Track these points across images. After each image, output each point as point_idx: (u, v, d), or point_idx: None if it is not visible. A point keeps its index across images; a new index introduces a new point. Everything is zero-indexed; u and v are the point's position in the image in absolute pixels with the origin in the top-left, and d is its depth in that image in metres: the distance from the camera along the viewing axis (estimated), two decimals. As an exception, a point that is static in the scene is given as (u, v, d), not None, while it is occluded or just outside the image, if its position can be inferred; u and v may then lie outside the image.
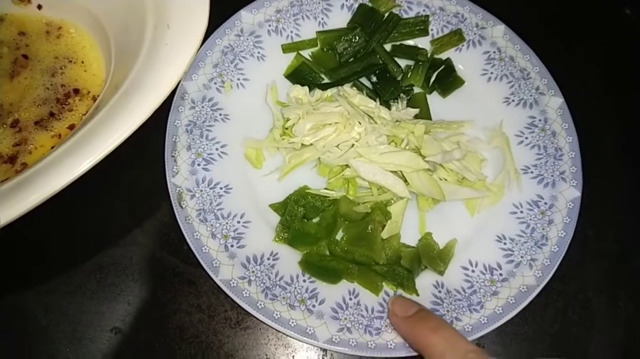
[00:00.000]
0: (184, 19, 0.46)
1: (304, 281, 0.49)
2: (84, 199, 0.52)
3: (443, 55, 0.61)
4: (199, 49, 0.45)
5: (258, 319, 0.47)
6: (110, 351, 0.48)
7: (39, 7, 0.57)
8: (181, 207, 0.50)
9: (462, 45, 0.61)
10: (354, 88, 0.58)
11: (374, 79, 0.60)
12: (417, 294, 0.49)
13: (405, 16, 0.61)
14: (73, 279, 0.50)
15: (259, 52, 0.59)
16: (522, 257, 0.51)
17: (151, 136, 0.52)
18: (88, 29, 0.57)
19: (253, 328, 0.50)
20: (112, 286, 0.50)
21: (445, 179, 0.53)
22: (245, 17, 0.59)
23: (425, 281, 0.50)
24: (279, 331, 0.47)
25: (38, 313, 0.49)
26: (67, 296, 0.50)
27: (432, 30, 0.61)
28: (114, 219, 0.53)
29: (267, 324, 0.47)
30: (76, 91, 0.55)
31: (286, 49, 0.59)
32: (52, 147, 0.52)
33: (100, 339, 0.48)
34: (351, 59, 0.60)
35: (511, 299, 0.49)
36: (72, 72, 0.56)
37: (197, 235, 0.49)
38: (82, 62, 0.56)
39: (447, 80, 0.59)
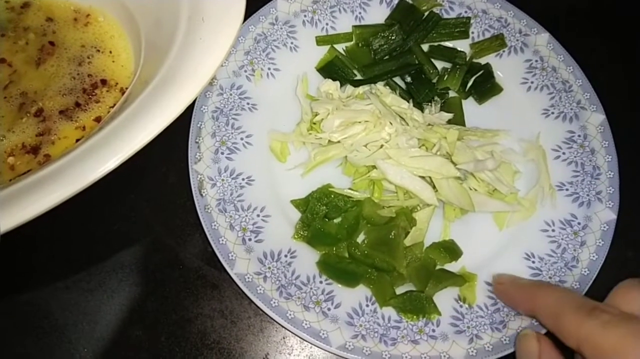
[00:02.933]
0: (219, 13, 0.44)
1: (321, 282, 0.47)
2: (107, 194, 0.50)
3: (482, 60, 0.58)
4: (233, 45, 0.42)
5: (282, 326, 0.46)
6: (129, 353, 0.46)
7: None
8: (201, 195, 0.49)
9: (503, 51, 0.58)
10: (387, 87, 0.56)
11: (409, 79, 0.57)
12: (440, 314, 0.47)
13: (446, 16, 0.59)
14: (93, 277, 0.49)
15: (292, 43, 0.57)
16: (550, 278, 0.49)
17: (181, 133, 0.51)
18: (117, 17, 0.55)
19: (276, 336, 0.48)
20: (134, 285, 0.49)
21: (476, 189, 0.51)
22: (281, 5, 0.57)
23: (446, 294, 0.48)
24: (293, 333, 0.45)
25: (56, 311, 0.47)
26: (87, 294, 0.48)
27: (472, 33, 0.59)
28: (137, 217, 0.51)
29: (283, 327, 0.45)
30: (103, 82, 0.53)
31: (320, 41, 0.58)
32: (77, 140, 0.50)
33: (119, 340, 0.47)
34: (386, 57, 0.58)
35: (536, 321, 0.46)
36: (100, 61, 0.54)
37: (215, 225, 0.48)
38: (110, 52, 0.54)
39: (485, 86, 0.57)
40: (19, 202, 0.37)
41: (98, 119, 0.51)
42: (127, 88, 0.52)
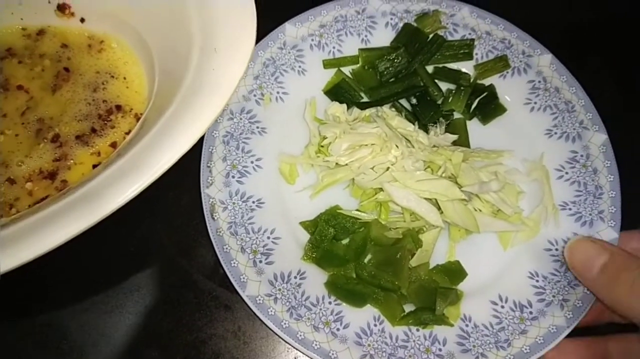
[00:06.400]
0: (231, 43, 0.45)
1: (330, 303, 0.49)
2: (123, 218, 0.51)
3: (486, 81, 0.60)
4: (243, 77, 0.44)
5: (292, 347, 0.47)
6: None
7: (82, 20, 0.57)
8: (213, 219, 0.50)
9: (507, 72, 0.59)
10: (393, 109, 0.57)
11: (414, 101, 0.59)
12: (452, 325, 0.48)
13: (450, 38, 0.60)
14: (111, 299, 0.51)
15: (299, 66, 0.58)
16: (554, 296, 0.50)
17: (193, 157, 0.52)
18: (130, 44, 0.57)
19: (287, 356, 0.50)
20: (150, 306, 0.50)
21: (480, 210, 0.52)
22: (289, 30, 0.59)
23: (453, 314, 0.49)
24: (303, 353, 0.47)
25: (75, 332, 0.49)
26: (105, 316, 0.50)
27: (476, 54, 0.60)
28: (152, 240, 0.53)
29: (294, 347, 0.47)
30: (118, 108, 0.54)
31: (327, 64, 0.59)
32: (94, 166, 0.52)
33: (136, 362, 0.48)
34: (392, 79, 0.59)
35: (540, 339, 0.48)
36: (114, 88, 0.55)
37: (226, 248, 0.49)
38: (124, 78, 0.56)
39: (489, 107, 0.58)
40: (41, 232, 0.38)
41: (114, 145, 0.53)
42: (141, 114, 0.53)
